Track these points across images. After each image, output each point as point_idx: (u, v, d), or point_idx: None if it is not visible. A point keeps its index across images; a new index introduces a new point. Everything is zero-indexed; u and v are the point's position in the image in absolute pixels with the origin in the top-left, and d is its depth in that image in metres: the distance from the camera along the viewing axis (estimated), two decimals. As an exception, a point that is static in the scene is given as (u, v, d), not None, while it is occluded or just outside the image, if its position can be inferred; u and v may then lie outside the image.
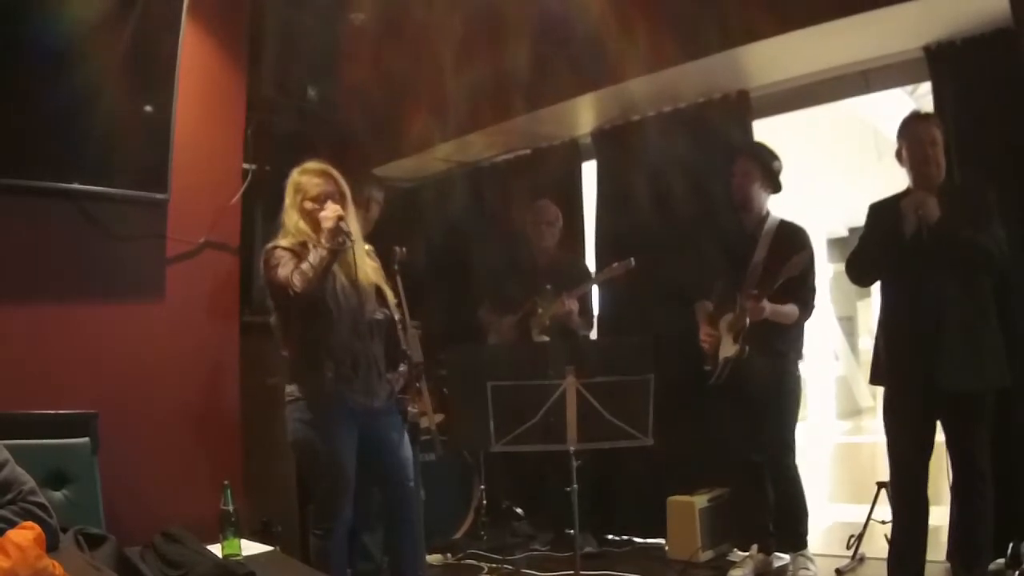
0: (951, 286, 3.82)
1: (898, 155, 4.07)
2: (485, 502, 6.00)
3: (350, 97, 5.44)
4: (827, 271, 10.81)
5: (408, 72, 5.74)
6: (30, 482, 2.80)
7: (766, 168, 4.76)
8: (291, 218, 3.83)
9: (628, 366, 3.87)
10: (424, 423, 4.04)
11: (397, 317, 3.90)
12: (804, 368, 4.87)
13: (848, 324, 14.15)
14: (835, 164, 8.75)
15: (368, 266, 3.93)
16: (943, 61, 4.67)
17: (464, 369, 4.55)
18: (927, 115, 4.12)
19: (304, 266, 3.62)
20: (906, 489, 4.05)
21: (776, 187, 4.81)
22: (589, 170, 6.41)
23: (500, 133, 6.26)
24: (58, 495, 3.30)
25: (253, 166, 4.61)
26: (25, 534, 2.20)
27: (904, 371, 4.00)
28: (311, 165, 3.88)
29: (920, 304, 3.88)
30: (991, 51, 4.46)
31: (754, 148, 4.93)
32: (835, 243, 11.74)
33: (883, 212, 4.12)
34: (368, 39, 5.34)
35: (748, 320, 4.52)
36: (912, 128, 4.02)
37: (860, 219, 11.15)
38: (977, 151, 4.41)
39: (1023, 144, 4.30)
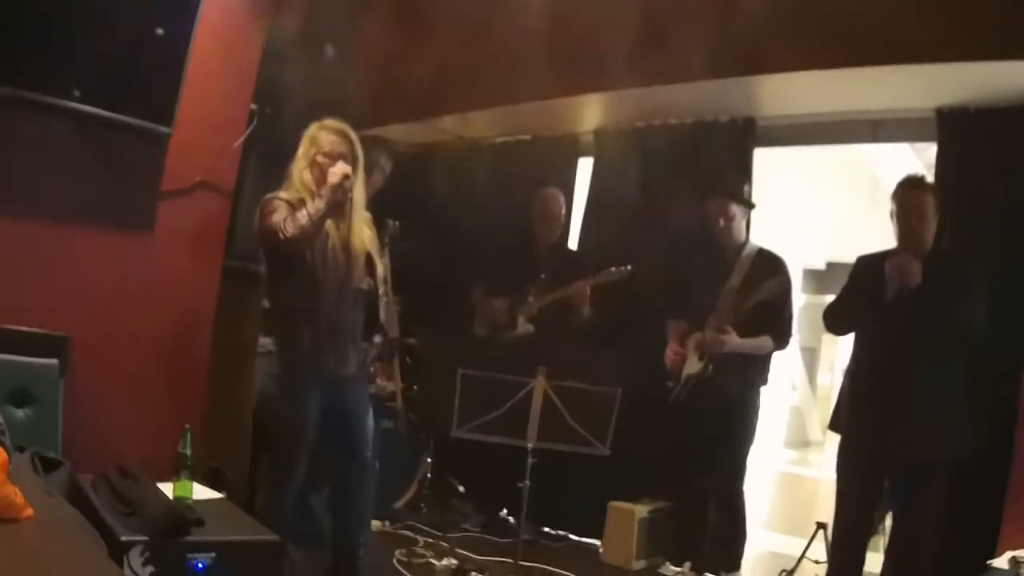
0: (921, 354, 3.87)
1: (891, 214, 4.11)
2: (430, 475, 6.06)
3: (365, 58, 5.42)
4: (799, 300, 10.91)
5: (424, 40, 5.72)
6: (-14, 398, 2.83)
7: (740, 200, 4.84)
8: (298, 168, 3.85)
9: (598, 376, 3.93)
10: (391, 396, 4.08)
11: (381, 290, 3.93)
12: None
13: (810, 356, 14.25)
14: (825, 198, 8.81)
15: (363, 232, 3.95)
16: (953, 126, 4.69)
17: (439, 353, 4.58)
18: (922, 183, 4.14)
19: (299, 214, 3.64)
20: (846, 538, 4.13)
21: (750, 206, 4.89)
22: (584, 166, 6.42)
23: (504, 114, 6.25)
24: (20, 413, 3.34)
25: (258, 107, 4.58)
26: (-8, 460, 2.22)
27: (861, 427, 4.09)
28: (330, 122, 3.89)
29: (888, 365, 3.95)
30: (1004, 124, 4.48)
31: (729, 186, 4.93)
32: (811, 274, 11.81)
33: (868, 268, 4.16)
34: (391, 2, 5.32)
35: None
36: (905, 194, 4.06)
37: (840, 255, 11.21)
38: (972, 222, 4.45)
39: (1018, 224, 4.35)
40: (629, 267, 5.21)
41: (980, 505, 4.08)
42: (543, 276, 5.59)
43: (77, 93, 3.69)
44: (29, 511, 2.24)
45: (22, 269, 3.63)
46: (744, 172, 5.36)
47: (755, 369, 4.73)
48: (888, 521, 4.21)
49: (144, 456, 3.53)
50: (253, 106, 4.51)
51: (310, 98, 4.66)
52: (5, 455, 2.33)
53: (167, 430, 3.71)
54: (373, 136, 5.99)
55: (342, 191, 3.67)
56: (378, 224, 4.07)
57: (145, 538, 2.81)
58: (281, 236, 3.61)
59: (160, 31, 3.91)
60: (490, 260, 6.14)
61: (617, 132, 6.11)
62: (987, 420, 4.09)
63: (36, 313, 3.56)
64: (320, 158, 3.81)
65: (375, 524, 5.34)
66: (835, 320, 4.33)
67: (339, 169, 3.68)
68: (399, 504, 5.85)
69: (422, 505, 5.98)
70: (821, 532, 4.62)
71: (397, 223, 4.05)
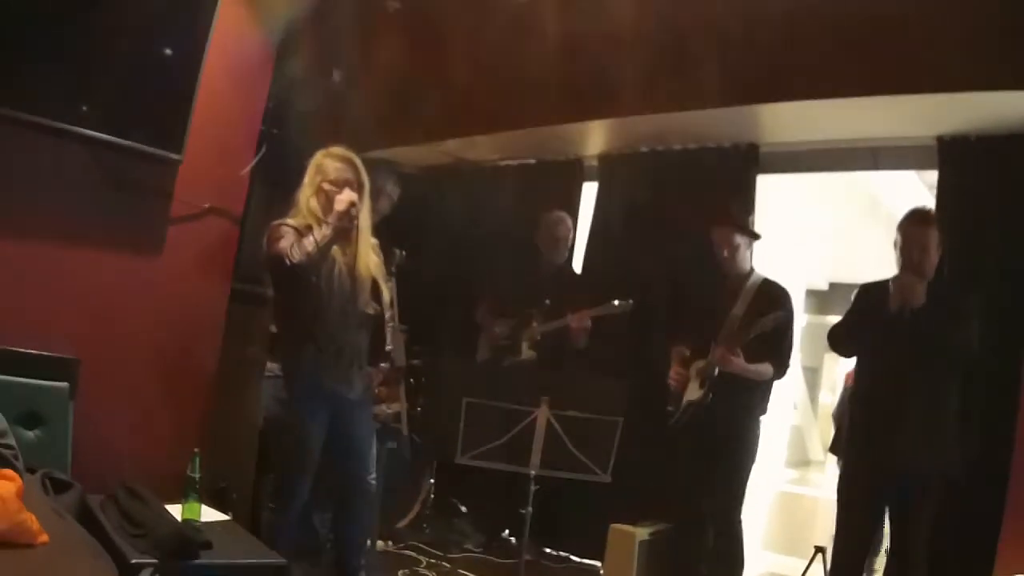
0: (923, 377, 3.92)
1: (894, 243, 4.15)
2: (432, 496, 6.10)
3: (372, 82, 5.48)
4: (801, 320, 10.95)
5: (430, 65, 5.78)
6: (2, 424, 2.88)
7: (745, 231, 4.84)
8: (305, 195, 3.92)
9: (600, 405, 3.99)
10: (395, 417, 4.13)
11: (387, 315, 3.99)
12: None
13: (812, 375, 14.30)
14: (827, 220, 8.86)
15: (369, 258, 4.00)
16: (954, 153, 4.74)
17: (445, 380, 4.62)
18: (928, 217, 4.16)
19: (305, 240, 3.71)
20: (845, 563, 4.16)
21: (755, 236, 4.90)
22: (588, 190, 6.45)
23: (508, 139, 6.31)
24: (30, 434, 3.37)
25: (265, 128, 4.63)
26: (7, 486, 2.27)
27: (862, 452, 4.14)
28: (336, 150, 3.96)
29: (890, 390, 3.99)
30: (1004, 152, 4.54)
31: (733, 217, 4.90)
32: (814, 294, 11.88)
33: (872, 293, 4.22)
34: (399, 27, 5.38)
35: (717, 369, 4.62)
36: (910, 229, 4.10)
37: (842, 276, 11.23)
38: (972, 247, 4.50)
39: (1017, 250, 4.40)
40: (631, 301, 5.24)
41: (977, 527, 4.14)
42: (547, 301, 5.62)
43: (85, 108, 3.74)
44: (44, 536, 2.30)
45: (33, 291, 3.68)
46: (747, 198, 5.40)
47: (755, 397, 4.75)
48: (886, 543, 4.25)
49: (152, 476, 3.57)
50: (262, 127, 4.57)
51: (317, 121, 4.74)
52: (20, 481, 2.38)
53: (174, 450, 3.78)
54: (381, 160, 6.06)
55: (348, 218, 3.74)
56: (385, 252, 4.13)
57: (155, 560, 2.85)
58: (287, 262, 3.68)
59: (168, 51, 3.98)
60: (494, 280, 6.17)
61: (621, 157, 6.16)
62: (984, 444, 4.17)
63: (46, 335, 3.61)
64: (326, 185, 3.88)
65: (379, 544, 5.39)
66: (840, 341, 4.37)
67: (345, 196, 3.75)
68: (402, 524, 5.88)
69: (424, 525, 6.02)
70: (820, 556, 4.65)
71: (404, 252, 4.10)
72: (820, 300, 11.85)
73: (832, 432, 7.24)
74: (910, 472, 3.91)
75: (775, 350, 4.65)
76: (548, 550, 5.89)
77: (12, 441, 2.84)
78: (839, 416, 7.09)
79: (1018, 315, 4.22)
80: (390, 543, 5.56)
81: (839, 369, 10.24)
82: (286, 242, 3.73)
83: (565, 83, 5.50)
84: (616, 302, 5.28)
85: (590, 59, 5.26)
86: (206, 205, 4.19)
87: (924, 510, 3.97)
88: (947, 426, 3.97)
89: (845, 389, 6.98)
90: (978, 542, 4.09)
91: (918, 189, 6.55)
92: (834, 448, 4.46)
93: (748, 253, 4.87)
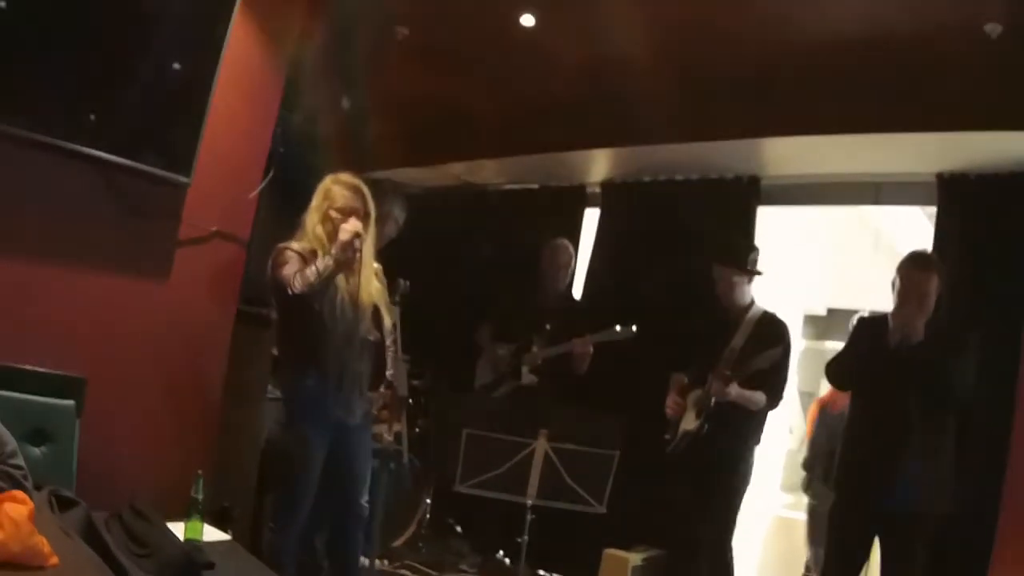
0: (916, 410, 3.96)
1: (892, 284, 4.18)
2: (428, 515, 6.15)
3: (380, 106, 5.55)
4: (799, 345, 10.98)
5: (438, 90, 5.84)
6: (12, 443, 2.93)
7: (743, 270, 4.88)
8: (311, 220, 3.95)
9: (598, 439, 4.07)
10: (396, 437, 4.18)
11: (388, 343, 4.03)
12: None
13: (808, 400, 14.20)
14: (826, 246, 8.90)
15: (372, 286, 4.05)
16: (954, 191, 4.82)
17: (447, 410, 4.68)
18: (927, 262, 4.17)
19: (308, 270, 3.75)
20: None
21: (754, 274, 4.94)
22: (591, 217, 6.54)
23: (513, 163, 6.40)
24: (36, 451, 3.41)
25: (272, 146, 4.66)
26: (20, 509, 2.32)
27: (854, 483, 4.19)
28: (345, 177, 4.01)
29: (884, 421, 4.04)
30: (1004, 191, 4.62)
31: (732, 256, 4.94)
32: (812, 320, 11.87)
33: (870, 327, 4.28)
34: (407, 54, 5.44)
35: (713, 400, 4.67)
36: (910, 273, 4.11)
37: (840, 302, 11.21)
38: (968, 285, 4.56)
39: (1014, 287, 4.46)
40: (633, 328, 5.28)
41: (967, 559, 4.22)
42: (548, 327, 5.68)
43: (95, 130, 3.74)
44: (55, 559, 2.34)
45: (40, 311, 3.69)
46: (748, 232, 5.48)
47: (750, 427, 4.81)
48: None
49: (155, 494, 3.61)
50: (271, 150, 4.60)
51: (326, 143, 4.79)
52: (32, 504, 2.42)
53: (178, 469, 3.81)
54: (388, 181, 6.11)
55: (351, 249, 3.78)
56: (390, 279, 4.17)
57: (158, 581, 2.91)
58: (290, 292, 3.73)
59: (179, 75, 4.00)
60: (496, 305, 6.23)
61: (624, 185, 6.24)
62: (976, 478, 4.23)
63: (53, 354, 3.63)
64: (333, 213, 3.92)
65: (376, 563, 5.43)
66: (838, 374, 4.43)
67: (350, 227, 3.78)
68: (398, 543, 5.92)
69: (420, 544, 6.07)
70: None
71: (407, 282, 4.15)
72: (818, 325, 11.81)
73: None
74: (902, 503, 3.95)
75: (770, 382, 4.71)
76: (542, 572, 5.93)
77: (21, 461, 2.88)
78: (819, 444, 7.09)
79: (1012, 351, 4.26)
80: (386, 562, 5.60)
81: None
82: (289, 269, 3.77)
83: (571, 111, 5.58)
84: (618, 327, 5.32)
85: (596, 88, 5.34)
86: (213, 228, 4.21)
87: (915, 540, 4.01)
88: (941, 459, 4.02)
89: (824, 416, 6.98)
90: (969, 571, 4.17)
91: (919, 220, 6.61)
92: (827, 480, 4.48)
93: (747, 288, 4.92)
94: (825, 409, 6.83)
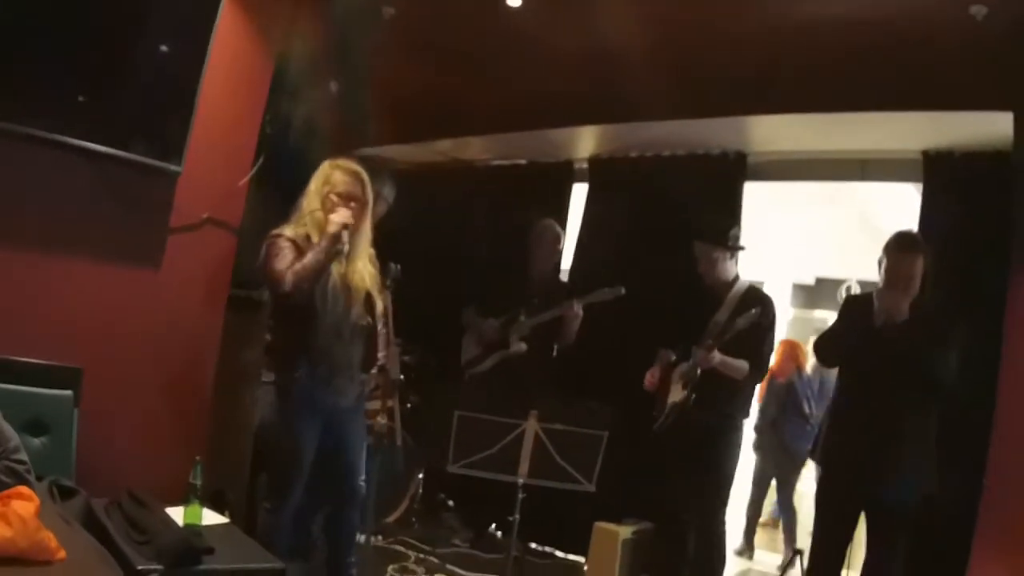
0: (900, 390, 4.01)
1: (878, 263, 4.19)
2: (421, 491, 6.22)
3: (367, 85, 5.54)
4: (788, 313, 11.05)
5: (425, 67, 5.84)
6: (15, 439, 2.97)
7: (725, 247, 4.93)
8: (311, 203, 3.93)
9: (587, 420, 4.13)
10: (388, 414, 4.23)
11: (380, 327, 4.06)
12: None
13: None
14: (814, 217, 8.93)
15: (365, 271, 4.05)
16: (939, 167, 4.87)
17: (438, 391, 4.71)
18: (914, 244, 4.17)
19: (298, 265, 3.75)
20: (823, 567, 4.27)
21: (736, 250, 4.98)
22: (578, 192, 6.57)
23: (501, 140, 6.42)
24: (36, 442, 3.46)
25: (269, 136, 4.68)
26: (27, 505, 2.36)
27: (838, 460, 4.25)
28: (344, 163, 4.00)
29: (870, 401, 4.09)
30: (986, 168, 4.66)
31: (713, 233, 4.98)
32: (800, 289, 11.94)
33: (857, 305, 4.31)
34: (395, 33, 5.43)
35: (699, 370, 4.73)
36: (896, 254, 4.12)
37: (828, 271, 11.21)
38: (954, 262, 4.57)
39: (997, 265, 4.46)
40: (622, 288, 5.32)
41: (950, 539, 4.26)
42: (535, 300, 5.72)
43: (85, 120, 3.77)
44: (62, 553, 2.39)
45: (35, 302, 3.73)
46: (733, 208, 5.52)
47: (737, 400, 4.87)
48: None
49: (153, 480, 3.67)
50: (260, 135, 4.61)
51: (315, 124, 4.79)
52: (38, 500, 2.47)
53: (175, 455, 3.88)
54: (377, 158, 6.12)
55: (339, 241, 3.79)
56: (381, 263, 4.19)
57: (160, 567, 2.96)
58: (280, 288, 3.75)
59: (168, 63, 4.02)
60: (484, 281, 6.27)
61: (612, 161, 6.27)
62: (959, 460, 4.24)
63: (49, 345, 3.67)
64: (333, 197, 3.92)
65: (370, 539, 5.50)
66: (825, 351, 4.47)
67: (338, 218, 3.80)
68: (391, 519, 6.00)
69: (414, 520, 6.15)
70: (798, 559, 4.78)
71: (399, 266, 4.17)
72: (807, 294, 11.90)
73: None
74: (887, 482, 4.01)
75: (753, 349, 4.75)
76: (533, 545, 6.03)
77: (24, 456, 2.92)
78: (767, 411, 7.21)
79: (995, 332, 4.28)
80: (379, 538, 5.66)
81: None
82: (282, 264, 3.77)
83: (559, 88, 5.58)
84: (606, 288, 5.38)
85: (584, 65, 5.33)
86: (204, 215, 4.23)
87: (899, 518, 4.07)
88: (925, 440, 4.06)
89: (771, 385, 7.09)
90: (951, 553, 4.21)
91: (909, 194, 6.63)
92: (812, 454, 4.54)
93: (730, 264, 4.96)
94: (773, 379, 6.98)
